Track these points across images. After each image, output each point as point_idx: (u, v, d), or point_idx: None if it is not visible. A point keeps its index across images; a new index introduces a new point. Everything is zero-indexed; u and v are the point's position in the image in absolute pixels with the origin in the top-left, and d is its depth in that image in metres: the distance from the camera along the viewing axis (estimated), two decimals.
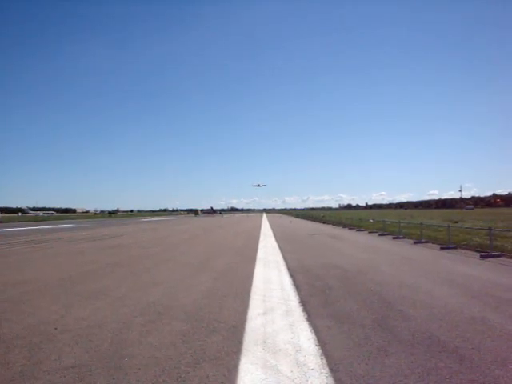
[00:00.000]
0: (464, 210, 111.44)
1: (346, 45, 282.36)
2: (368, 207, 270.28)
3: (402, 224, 21.88)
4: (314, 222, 45.49)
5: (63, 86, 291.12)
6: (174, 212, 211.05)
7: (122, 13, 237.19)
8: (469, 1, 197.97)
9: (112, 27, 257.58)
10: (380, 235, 21.50)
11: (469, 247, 13.75)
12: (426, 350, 4.05)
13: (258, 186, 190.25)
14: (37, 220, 72.16)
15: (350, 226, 30.61)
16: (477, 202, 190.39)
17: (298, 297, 6.64)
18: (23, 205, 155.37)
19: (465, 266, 10.00)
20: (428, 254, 12.97)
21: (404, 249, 14.57)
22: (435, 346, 4.15)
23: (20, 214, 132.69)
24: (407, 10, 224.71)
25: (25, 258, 12.97)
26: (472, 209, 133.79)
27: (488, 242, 12.69)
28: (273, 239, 19.96)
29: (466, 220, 36.15)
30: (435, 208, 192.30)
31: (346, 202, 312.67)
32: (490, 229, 12.74)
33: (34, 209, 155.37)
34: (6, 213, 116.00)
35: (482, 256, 11.67)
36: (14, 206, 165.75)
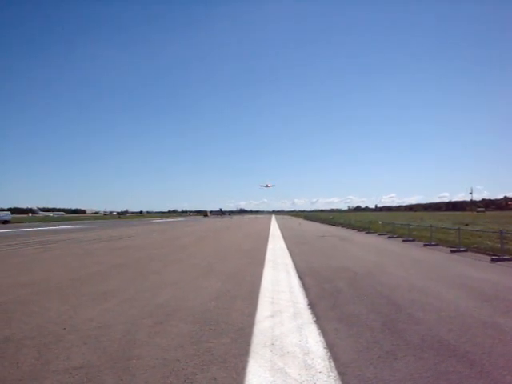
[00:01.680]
0: (475, 213, 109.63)
1: (356, 47, 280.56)
2: (377, 209, 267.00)
3: (411, 226, 21.63)
4: (322, 224, 45.26)
5: (72, 86, 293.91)
6: (183, 213, 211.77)
7: (129, 15, 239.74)
8: (470, 5, 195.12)
9: (119, 28, 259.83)
10: (389, 237, 21.30)
11: (479, 250, 13.53)
12: (435, 354, 3.99)
13: (266, 186, 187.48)
14: (47, 221, 73.21)
15: (359, 228, 30.34)
16: (488, 204, 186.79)
17: (306, 299, 6.61)
18: (33, 205, 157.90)
19: (475, 269, 9.84)
20: (438, 256, 12.80)
21: (413, 251, 14.41)
22: (445, 351, 4.09)
23: (30, 214, 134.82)
24: (408, 15, 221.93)
25: (34, 258, 13.17)
26: (483, 211, 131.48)
27: (499, 245, 12.48)
28: (282, 241, 19.92)
29: (477, 223, 35.60)
30: (445, 210, 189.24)
31: (355, 204, 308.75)
32: (501, 232, 12.52)
33: (43, 209, 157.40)
34: (16, 213, 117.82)
35: (492, 259, 11.47)
36: (24, 206, 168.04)
